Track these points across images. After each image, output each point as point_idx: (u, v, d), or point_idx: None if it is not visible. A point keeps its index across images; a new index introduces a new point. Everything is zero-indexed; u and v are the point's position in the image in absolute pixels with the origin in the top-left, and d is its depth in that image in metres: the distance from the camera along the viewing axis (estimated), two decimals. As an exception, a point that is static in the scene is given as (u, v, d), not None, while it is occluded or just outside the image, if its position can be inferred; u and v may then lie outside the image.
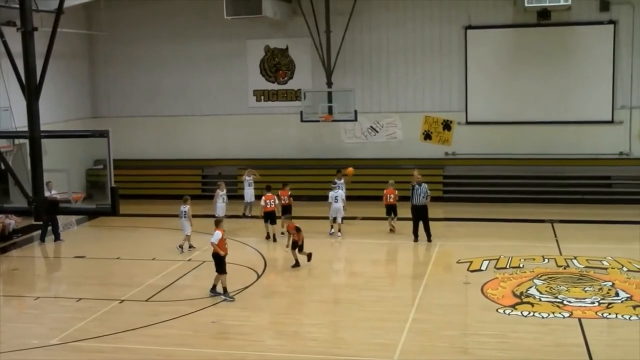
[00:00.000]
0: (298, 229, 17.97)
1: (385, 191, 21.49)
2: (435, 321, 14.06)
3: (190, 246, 19.84)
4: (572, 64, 25.23)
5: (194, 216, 20.07)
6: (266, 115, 27.52)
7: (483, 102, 25.99)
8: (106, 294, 16.28)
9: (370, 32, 26.43)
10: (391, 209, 21.48)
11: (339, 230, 21.30)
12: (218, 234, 15.70)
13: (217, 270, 15.69)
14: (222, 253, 15.63)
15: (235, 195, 24.51)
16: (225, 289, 15.59)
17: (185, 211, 19.73)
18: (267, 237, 20.85)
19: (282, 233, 20.74)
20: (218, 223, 16.20)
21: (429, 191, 20.27)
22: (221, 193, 22.28)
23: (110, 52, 28.48)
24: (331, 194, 21.39)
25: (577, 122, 25.28)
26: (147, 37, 28.03)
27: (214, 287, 15.77)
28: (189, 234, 19.68)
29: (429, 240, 20.12)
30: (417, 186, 20.23)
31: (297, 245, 17.93)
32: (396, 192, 21.42)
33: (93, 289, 17.01)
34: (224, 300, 15.42)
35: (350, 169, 22.63)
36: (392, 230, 21.38)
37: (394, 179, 22.25)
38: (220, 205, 22.15)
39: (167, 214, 24.29)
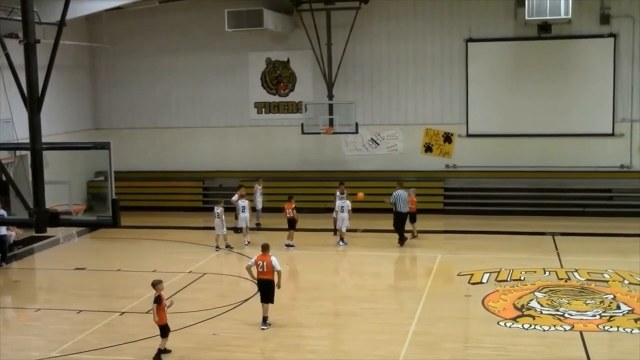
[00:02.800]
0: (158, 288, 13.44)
1: (412, 198, 21.88)
2: (436, 334, 14.03)
3: (227, 245, 21.01)
4: (572, 77, 25.23)
5: (194, 228, 20.13)
6: (267, 128, 27.56)
7: (484, 115, 25.99)
8: (107, 306, 16.27)
9: (371, 45, 26.49)
10: (414, 216, 22.03)
11: (342, 240, 21.45)
12: (275, 260, 14.55)
13: (272, 301, 14.58)
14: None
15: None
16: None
17: (219, 212, 20.85)
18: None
19: (286, 245, 20.95)
20: (267, 248, 14.80)
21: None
22: (242, 203, 21.52)
23: (111, 65, 28.59)
24: (338, 203, 21.57)
25: (578, 134, 25.25)
26: (149, 50, 28.12)
27: (265, 319, 14.60)
28: (224, 233, 20.97)
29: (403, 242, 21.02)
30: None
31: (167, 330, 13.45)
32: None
33: (93, 300, 17.01)
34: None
35: (361, 194, 22.52)
36: (415, 236, 21.80)
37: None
38: (242, 215, 21.46)
39: (168, 226, 24.35)
